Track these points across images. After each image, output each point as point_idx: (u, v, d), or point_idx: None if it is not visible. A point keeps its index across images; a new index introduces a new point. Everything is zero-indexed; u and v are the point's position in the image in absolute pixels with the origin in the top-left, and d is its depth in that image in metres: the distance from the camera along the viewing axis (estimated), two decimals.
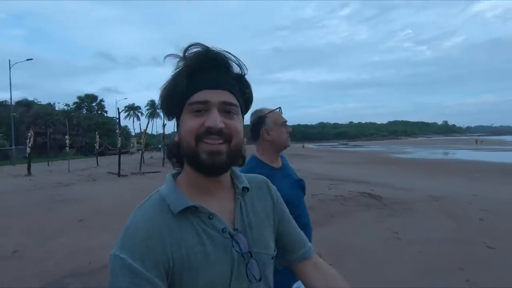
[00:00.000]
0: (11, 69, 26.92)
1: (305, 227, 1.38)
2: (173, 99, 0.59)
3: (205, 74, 0.57)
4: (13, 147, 27.08)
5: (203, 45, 0.57)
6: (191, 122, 0.57)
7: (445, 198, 6.65)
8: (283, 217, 0.71)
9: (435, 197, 6.75)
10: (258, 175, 0.75)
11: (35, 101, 40.91)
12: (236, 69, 0.61)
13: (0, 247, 4.15)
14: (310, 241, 1.50)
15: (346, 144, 76.93)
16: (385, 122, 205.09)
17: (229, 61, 0.60)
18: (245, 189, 0.66)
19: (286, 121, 1.44)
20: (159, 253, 0.53)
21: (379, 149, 40.77)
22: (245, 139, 0.64)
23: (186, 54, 0.57)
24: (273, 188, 0.74)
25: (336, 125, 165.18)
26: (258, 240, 0.63)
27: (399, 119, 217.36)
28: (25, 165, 16.11)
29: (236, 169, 0.68)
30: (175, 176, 0.65)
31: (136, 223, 0.56)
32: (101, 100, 52.00)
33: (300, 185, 1.46)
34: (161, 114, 0.67)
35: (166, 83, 0.60)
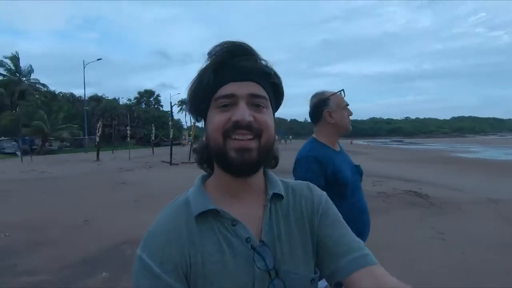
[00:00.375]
0: (85, 68, 30.91)
1: (362, 213, 1.35)
2: (200, 97, 0.56)
3: (231, 66, 0.54)
4: (86, 136, 31.16)
5: (229, 41, 0.56)
6: (218, 118, 0.53)
7: (507, 202, 5.96)
8: (325, 222, 0.59)
9: (494, 200, 6.09)
10: (301, 181, 0.66)
11: (103, 96, 46.25)
12: (265, 61, 0.56)
13: (75, 217, 5.02)
14: (367, 227, 1.36)
15: (400, 141, 71.39)
16: (448, 117, 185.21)
17: (256, 52, 0.56)
18: (278, 196, 0.59)
19: (348, 104, 1.42)
20: (177, 257, 0.52)
21: (439, 147, 37.09)
22: (277, 137, 0.59)
23: (212, 50, 0.55)
24: (317, 191, 0.64)
25: (389, 121, 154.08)
26: (288, 256, 0.55)
27: (466, 114, 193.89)
28: (95, 152, 18.58)
29: (272, 173, 0.63)
30: (205, 178, 0.62)
31: (157, 225, 0.55)
32: (158, 95, 56.38)
33: (358, 171, 1.43)
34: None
35: (192, 81, 0.57)
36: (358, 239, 0.58)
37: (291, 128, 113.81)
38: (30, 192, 7.64)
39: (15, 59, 33.18)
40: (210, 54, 0.55)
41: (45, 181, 9.51)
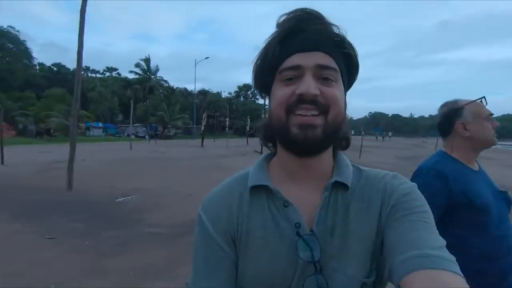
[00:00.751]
0: (196, 66, 35.87)
1: (510, 252, 1.10)
2: (264, 70, 0.53)
3: (298, 36, 0.50)
4: (194, 126, 36.38)
5: (298, 8, 0.51)
6: (281, 92, 0.50)
7: None
8: (395, 215, 0.48)
9: None
10: (384, 171, 0.56)
11: (209, 90, 52.50)
12: (337, 30, 0.51)
13: (183, 189, 6.29)
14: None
15: None
16: None
17: (327, 20, 0.51)
18: (341, 185, 0.52)
19: (492, 114, 1.22)
20: (226, 222, 0.54)
21: None
22: (347, 116, 0.54)
23: (280, 21, 0.51)
24: (396, 181, 0.53)
25: None
26: (339, 252, 0.49)
27: None
28: (200, 140, 21.64)
29: (345, 157, 0.57)
30: (269, 156, 0.60)
31: (216, 190, 0.58)
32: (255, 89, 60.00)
33: (504, 197, 1.18)
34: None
35: (257, 54, 0.53)
36: (439, 239, 0.44)
37: (391, 124, 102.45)
38: (154, 167, 9.85)
39: (147, 61, 41.33)
40: (277, 25, 0.52)
41: (164, 160, 11.99)
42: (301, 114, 0.48)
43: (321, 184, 0.53)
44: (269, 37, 0.52)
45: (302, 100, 0.48)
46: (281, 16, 0.52)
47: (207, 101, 45.23)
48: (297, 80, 0.49)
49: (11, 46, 36.18)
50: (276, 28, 0.52)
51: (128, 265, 2.95)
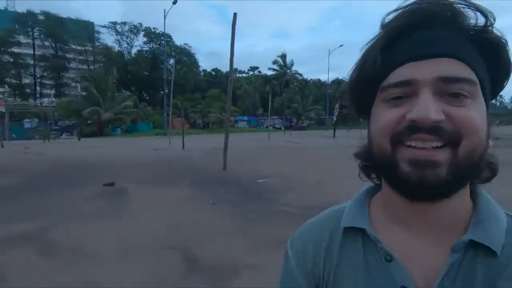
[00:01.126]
0: (329, 55, 35.43)
1: None
2: (361, 86, 0.40)
3: (410, 38, 0.35)
4: (327, 116, 36.30)
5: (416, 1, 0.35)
6: (385, 116, 0.36)
7: None
8: None
9: None
10: None
11: (343, 79, 50.58)
12: (473, 18, 0.34)
13: (313, 176, 6.71)
14: None
15: None
16: None
17: (458, 8, 0.34)
18: (482, 247, 0.36)
19: None
20: (310, 265, 0.46)
21: None
22: (490, 142, 0.37)
23: (386, 19, 0.38)
24: None
25: None
26: None
27: None
28: (332, 130, 21.52)
29: (488, 199, 0.40)
30: (371, 190, 0.47)
31: (307, 225, 0.50)
32: None
33: None
34: None
35: (354, 65, 0.41)
36: None
37: None
38: (288, 155, 10.85)
39: (283, 57, 44.44)
40: (381, 26, 0.38)
41: (297, 149, 12.94)
42: (414, 146, 0.35)
43: (447, 237, 0.38)
44: (368, 42, 0.39)
45: (415, 128, 0.34)
46: (387, 14, 0.38)
47: (340, 90, 43.79)
48: (408, 100, 0.35)
49: (186, 59, 47.56)
50: (380, 29, 0.39)
51: (264, 232, 3.60)
